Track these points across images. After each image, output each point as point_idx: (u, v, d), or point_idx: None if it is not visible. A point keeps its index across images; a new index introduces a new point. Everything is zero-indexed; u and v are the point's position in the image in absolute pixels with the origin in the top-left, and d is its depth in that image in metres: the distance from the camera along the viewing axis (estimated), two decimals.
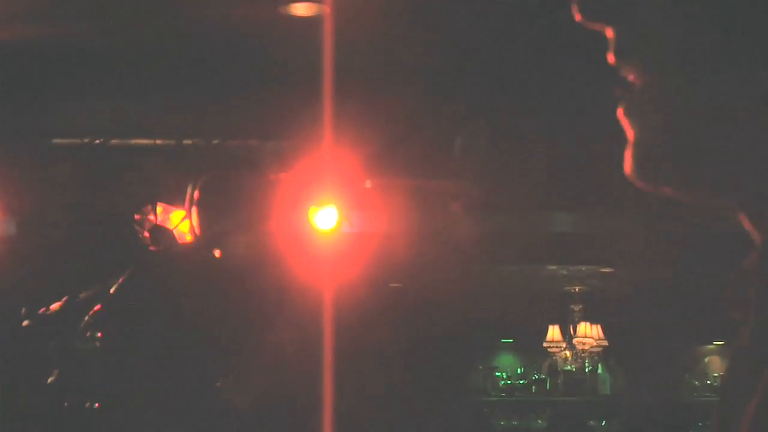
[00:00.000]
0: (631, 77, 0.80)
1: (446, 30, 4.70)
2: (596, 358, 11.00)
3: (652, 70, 0.78)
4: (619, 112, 0.81)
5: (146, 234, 5.06)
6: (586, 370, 11.08)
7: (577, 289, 10.64)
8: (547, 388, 11.26)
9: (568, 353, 10.95)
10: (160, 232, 5.04)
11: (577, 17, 0.82)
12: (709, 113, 0.77)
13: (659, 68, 0.78)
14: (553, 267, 9.35)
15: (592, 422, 10.64)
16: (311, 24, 4.51)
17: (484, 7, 4.40)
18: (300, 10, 4.54)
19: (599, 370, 11.14)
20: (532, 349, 11.19)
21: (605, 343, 10.71)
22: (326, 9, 4.46)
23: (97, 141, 5.49)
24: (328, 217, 5.36)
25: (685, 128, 0.78)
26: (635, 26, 0.79)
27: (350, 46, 4.70)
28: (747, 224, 0.80)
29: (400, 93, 4.95)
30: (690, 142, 0.78)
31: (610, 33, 0.81)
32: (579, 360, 10.94)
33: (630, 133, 0.80)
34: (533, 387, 11.32)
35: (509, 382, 11.41)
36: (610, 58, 0.81)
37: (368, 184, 5.63)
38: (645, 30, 0.79)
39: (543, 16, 4.31)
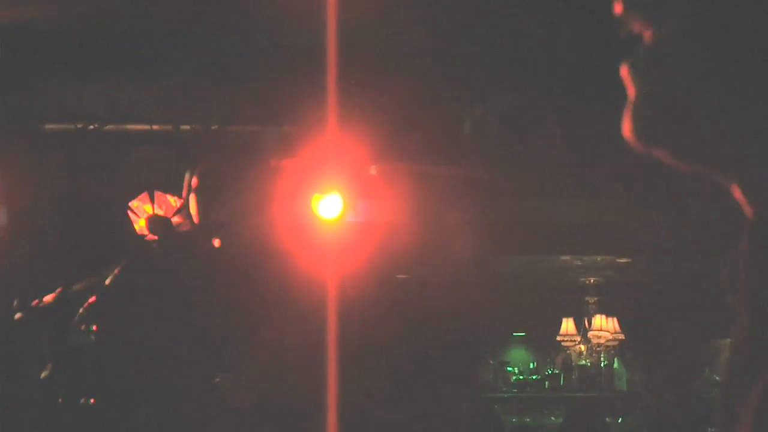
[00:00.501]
0: (637, 29, 0.82)
1: (453, 11, 4.60)
2: (612, 352, 10.88)
3: (659, 24, 0.80)
4: (623, 70, 0.82)
5: (143, 223, 4.96)
6: (602, 365, 10.94)
7: (592, 280, 10.55)
8: (561, 383, 11.10)
9: (582, 347, 10.84)
10: (157, 221, 4.95)
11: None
12: (713, 78, 0.78)
13: (666, 22, 0.79)
14: (567, 257, 9.26)
15: (608, 419, 10.52)
16: (315, 5, 4.40)
17: None
18: None
19: (615, 365, 10.99)
20: (545, 342, 11.07)
21: (621, 336, 10.60)
22: None
23: (91, 127, 5.38)
24: (332, 206, 5.24)
25: (687, 90, 0.79)
26: None
27: (355, 29, 4.58)
28: (739, 196, 0.81)
29: (405, 76, 4.85)
30: (691, 104, 0.79)
31: None
32: (594, 354, 10.82)
33: (631, 91, 0.82)
34: (546, 382, 11.16)
35: (521, 377, 11.26)
36: (618, 7, 0.82)
37: (373, 170, 5.49)
38: None
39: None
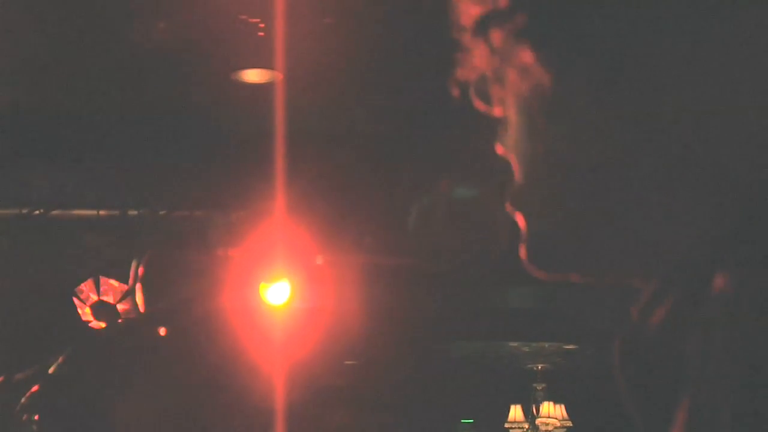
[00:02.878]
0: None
1: (400, 97, 4.63)
2: None
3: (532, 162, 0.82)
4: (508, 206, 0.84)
5: (88, 310, 4.90)
6: None
7: (539, 367, 10.54)
8: None
9: None
10: (103, 308, 4.89)
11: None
12: (596, 200, 0.79)
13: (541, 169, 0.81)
14: (515, 344, 9.25)
15: None
16: (262, 93, 4.43)
17: (439, 73, 4.31)
18: (252, 76, 4.45)
19: None
20: (494, 429, 11.01)
21: (569, 423, 10.57)
22: (279, 76, 4.37)
23: (36, 212, 5.31)
24: (280, 293, 5.20)
25: (574, 217, 0.80)
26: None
27: (303, 114, 4.61)
28: (647, 292, 0.81)
29: (353, 163, 4.86)
30: (581, 229, 0.80)
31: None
32: None
33: (522, 226, 0.83)
34: None
35: None
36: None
37: (320, 260, 5.49)
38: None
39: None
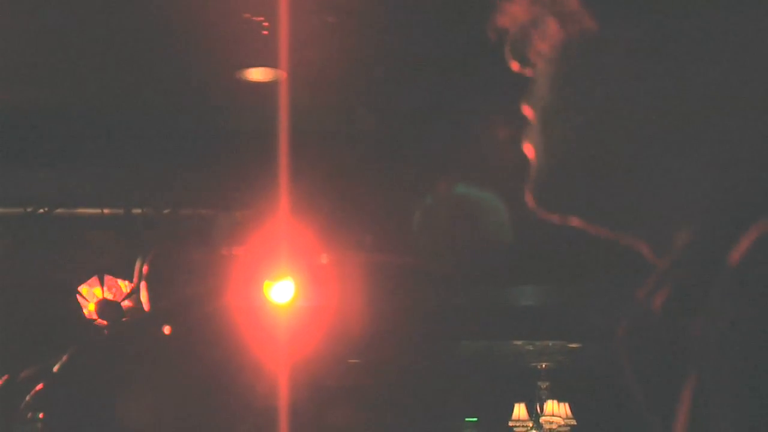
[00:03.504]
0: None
1: (404, 97, 4.63)
2: None
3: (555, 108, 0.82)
4: (524, 145, 0.84)
5: (92, 308, 4.91)
6: None
7: (544, 366, 10.54)
8: None
9: None
10: (107, 306, 4.89)
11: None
12: (609, 147, 0.79)
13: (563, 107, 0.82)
14: (519, 342, 9.24)
15: None
16: (267, 91, 4.42)
17: (442, 73, 4.32)
18: (256, 75, 4.45)
19: None
20: (498, 428, 11.00)
21: (573, 422, 10.57)
22: (283, 74, 4.37)
23: (41, 210, 5.32)
24: (284, 291, 5.21)
25: (584, 155, 0.80)
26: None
27: (307, 113, 4.61)
28: (648, 254, 0.82)
29: (357, 162, 4.86)
30: (589, 169, 0.81)
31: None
32: None
33: (533, 163, 0.83)
34: None
35: None
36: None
37: (324, 259, 5.49)
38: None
39: (503, 80, 4.23)
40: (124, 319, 4.85)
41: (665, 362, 0.79)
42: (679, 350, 0.75)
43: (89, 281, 4.93)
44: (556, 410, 10.55)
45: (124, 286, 4.95)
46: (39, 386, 4.45)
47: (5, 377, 4.37)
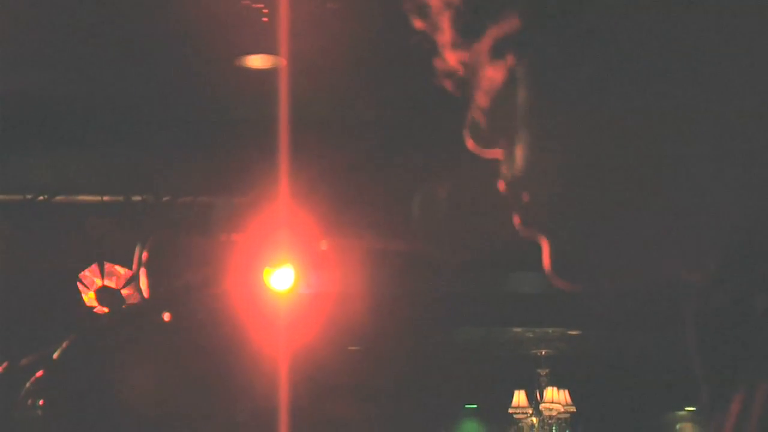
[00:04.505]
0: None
1: (404, 84, 4.62)
2: (564, 424, 10.84)
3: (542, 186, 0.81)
4: (500, 186, 0.86)
5: (92, 295, 4.91)
6: None
7: (543, 353, 10.54)
8: None
9: (534, 420, 10.79)
10: (107, 293, 4.90)
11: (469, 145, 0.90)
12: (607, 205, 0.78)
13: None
14: (519, 329, 9.24)
15: None
16: (267, 77, 4.42)
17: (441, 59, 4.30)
18: (256, 62, 4.44)
19: None
20: (497, 415, 11.01)
21: (573, 409, 10.57)
22: (282, 61, 4.36)
23: (41, 198, 5.31)
24: (284, 278, 5.19)
25: (587, 226, 0.80)
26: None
27: (307, 100, 4.60)
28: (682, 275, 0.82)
29: (357, 148, 4.85)
30: (595, 236, 0.80)
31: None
32: (546, 426, 10.77)
33: (542, 244, 0.83)
34: None
35: None
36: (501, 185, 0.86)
37: (324, 245, 5.48)
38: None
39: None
40: (123, 306, 4.85)
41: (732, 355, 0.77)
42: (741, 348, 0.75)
43: (89, 269, 4.93)
44: (555, 397, 10.55)
45: (124, 273, 4.95)
46: (39, 373, 4.45)
47: (5, 364, 4.38)
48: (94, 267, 4.92)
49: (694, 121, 0.76)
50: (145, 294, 4.81)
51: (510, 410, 10.75)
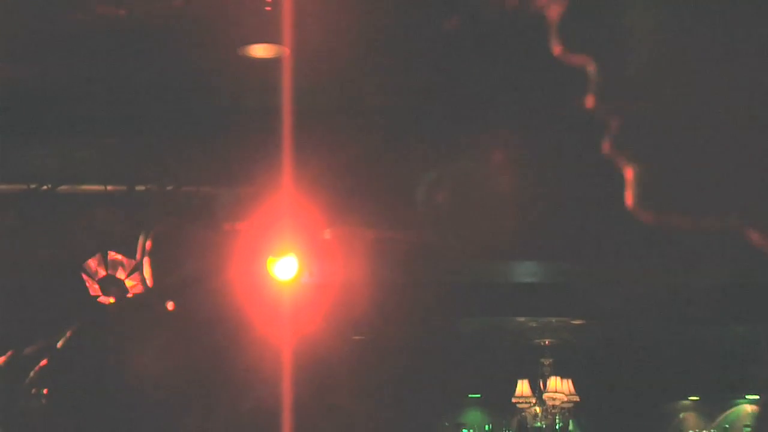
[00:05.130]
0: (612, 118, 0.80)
1: (407, 73, 4.62)
2: (567, 414, 10.86)
3: (635, 108, 0.78)
4: (607, 149, 0.81)
5: (96, 285, 4.91)
6: (557, 427, 10.90)
7: (547, 342, 10.55)
8: None
9: (537, 409, 10.81)
10: (111, 283, 4.90)
11: (557, 51, 0.81)
12: (699, 135, 0.76)
13: (645, 102, 0.78)
14: (522, 319, 9.25)
15: None
16: (270, 66, 4.41)
17: (447, 49, 4.30)
18: (259, 51, 4.43)
19: (570, 427, 10.97)
20: (501, 404, 11.04)
21: (576, 398, 10.59)
22: (286, 51, 4.35)
23: (44, 187, 5.31)
24: (287, 267, 5.21)
25: (678, 155, 0.77)
26: (617, 64, 0.78)
27: (310, 89, 4.60)
28: (756, 239, 0.79)
29: (360, 138, 4.85)
30: (686, 167, 0.78)
31: (590, 68, 0.81)
32: (549, 416, 10.79)
33: (626, 170, 0.80)
34: None
35: None
36: (589, 99, 0.81)
37: (327, 234, 5.48)
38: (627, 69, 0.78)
39: (509, 57, 4.23)
40: (127, 296, 4.85)
41: None
42: None
43: (93, 258, 4.93)
44: (559, 387, 10.56)
45: (128, 263, 4.95)
46: (43, 362, 4.46)
47: (10, 353, 4.39)
48: (98, 257, 4.92)
49: None
50: (149, 283, 4.83)
51: (513, 400, 10.77)
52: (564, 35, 0.80)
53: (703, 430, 11.67)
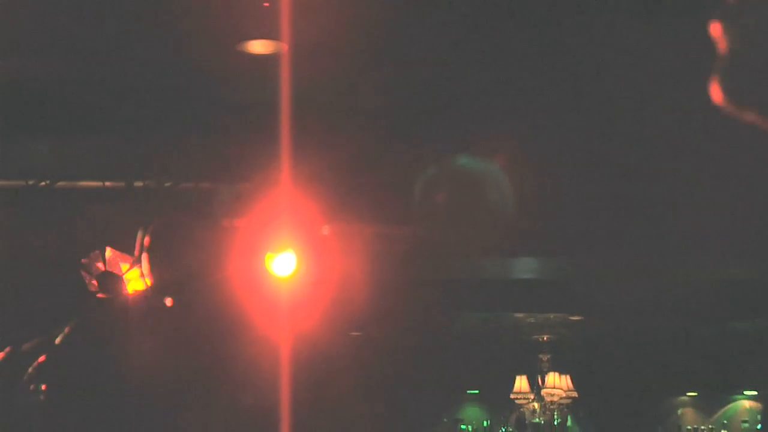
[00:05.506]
0: None
1: (405, 69, 4.61)
2: (565, 410, 10.86)
3: None
4: (715, 27, 0.78)
5: (94, 281, 4.90)
6: (555, 423, 10.90)
7: (545, 338, 10.55)
8: None
9: (536, 405, 10.81)
10: (109, 279, 4.89)
11: None
12: None
13: None
14: (520, 315, 9.25)
15: None
16: (269, 62, 4.41)
17: (445, 47, 4.30)
18: (257, 47, 4.43)
19: (569, 423, 10.97)
20: (499, 400, 11.03)
21: (574, 394, 10.59)
22: (284, 47, 4.35)
23: (42, 183, 5.31)
24: (285, 264, 5.20)
25: None
26: None
27: (308, 85, 4.59)
28: None
29: (359, 134, 4.85)
30: None
31: None
32: (547, 412, 10.79)
33: (721, 48, 0.77)
34: None
35: None
36: None
37: (326, 230, 5.47)
38: None
39: (508, 57, 4.23)
40: (125, 292, 4.85)
41: None
42: None
43: (91, 254, 4.92)
44: (557, 383, 10.56)
45: (126, 258, 4.95)
46: (41, 358, 4.45)
47: (8, 349, 4.38)
48: (96, 253, 4.92)
49: None
50: (148, 279, 4.82)
51: (512, 396, 10.77)
52: None
53: (701, 425, 11.68)
